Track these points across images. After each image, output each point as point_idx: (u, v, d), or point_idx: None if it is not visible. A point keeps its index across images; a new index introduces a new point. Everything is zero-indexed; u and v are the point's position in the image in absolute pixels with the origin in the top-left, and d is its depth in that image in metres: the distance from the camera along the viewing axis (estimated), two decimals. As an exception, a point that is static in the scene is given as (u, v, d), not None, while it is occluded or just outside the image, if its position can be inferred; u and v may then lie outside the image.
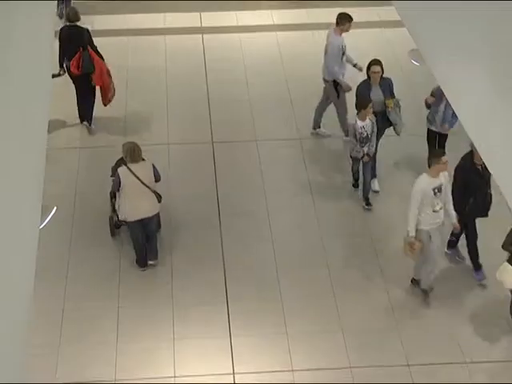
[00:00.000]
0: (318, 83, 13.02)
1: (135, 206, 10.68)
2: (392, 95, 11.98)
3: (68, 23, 12.99)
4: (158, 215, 11.03)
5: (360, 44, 14.78)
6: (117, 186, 10.71)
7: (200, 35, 15.52)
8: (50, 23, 7.11)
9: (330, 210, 11.74)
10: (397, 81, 12.60)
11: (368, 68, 11.94)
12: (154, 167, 10.82)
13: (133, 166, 10.62)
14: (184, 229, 11.49)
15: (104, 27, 15.93)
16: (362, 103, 11.51)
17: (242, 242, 11.27)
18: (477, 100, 5.73)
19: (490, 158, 5.67)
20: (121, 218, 10.85)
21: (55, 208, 6.84)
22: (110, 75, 13.02)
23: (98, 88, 13.12)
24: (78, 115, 13.40)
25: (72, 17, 12.96)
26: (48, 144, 6.49)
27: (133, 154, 10.65)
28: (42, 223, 6.35)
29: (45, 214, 6.45)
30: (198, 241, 11.31)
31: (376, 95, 11.83)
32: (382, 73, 11.92)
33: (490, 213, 10.65)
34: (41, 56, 6.44)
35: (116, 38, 15.26)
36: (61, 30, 12.90)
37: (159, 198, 10.80)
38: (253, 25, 15.94)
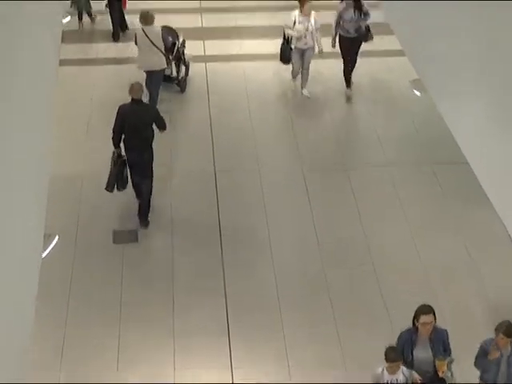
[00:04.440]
0: (320, 112, 13.04)
1: (145, 59, 13.74)
2: (446, 352, 8.74)
3: None
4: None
5: (361, 73, 14.85)
6: (135, 42, 13.86)
7: (203, 64, 15.58)
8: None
9: (331, 238, 11.73)
10: (398, 111, 12.65)
11: (416, 317, 8.74)
12: (167, 33, 14.02)
13: (146, 28, 13.58)
14: (185, 255, 11.47)
15: (107, 55, 16.04)
16: (388, 354, 8.48)
17: (244, 269, 11.24)
18: (479, 130, 5.74)
19: (492, 189, 5.67)
20: (136, 66, 13.92)
21: (57, 237, 6.84)
22: None
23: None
24: (112, 35, 16.35)
25: None
26: (51, 172, 6.50)
27: (145, 18, 13.60)
28: (44, 252, 6.35)
29: (47, 242, 6.45)
30: (199, 268, 11.28)
31: (423, 352, 8.72)
32: (435, 319, 8.73)
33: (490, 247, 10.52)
34: (44, 79, 6.47)
35: (120, 66, 15.32)
36: None
37: (167, 59, 13.94)
38: (256, 53, 16.01)
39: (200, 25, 16.51)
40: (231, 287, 10.97)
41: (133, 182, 11.92)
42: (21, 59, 6.25)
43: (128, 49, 15.51)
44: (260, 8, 17.37)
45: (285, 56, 14.36)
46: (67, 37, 14.24)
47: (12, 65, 5.89)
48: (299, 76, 14.60)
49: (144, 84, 13.13)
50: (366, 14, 13.97)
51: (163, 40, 13.81)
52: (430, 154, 13.28)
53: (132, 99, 11.68)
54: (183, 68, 14.83)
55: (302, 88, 14.57)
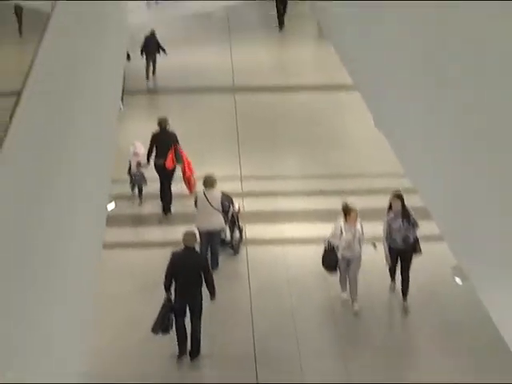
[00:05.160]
0: (362, 301, 12.94)
1: (204, 219, 14.68)
2: None
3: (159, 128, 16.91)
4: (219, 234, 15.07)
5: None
6: (195, 204, 14.93)
7: (244, 246, 15.74)
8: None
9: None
10: (439, 300, 12.37)
11: None
12: (224, 198, 14.93)
13: (207, 191, 14.74)
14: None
15: (151, 238, 16.29)
16: None
17: None
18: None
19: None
20: (194, 226, 14.32)
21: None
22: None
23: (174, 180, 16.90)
24: (162, 208, 16.86)
25: (163, 123, 16.90)
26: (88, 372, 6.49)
27: (208, 181, 14.82)
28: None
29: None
30: None
31: None
32: None
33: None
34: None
35: (164, 249, 15.48)
36: (153, 134, 16.91)
37: (225, 219, 14.96)
38: (296, 237, 16.16)
39: (242, 209, 16.79)
40: None
41: (177, 327, 12.51)
42: (67, 243, 6.40)
43: (172, 232, 15.77)
44: (300, 192, 17.68)
45: (330, 265, 14.02)
46: (111, 220, 14.55)
47: (58, 251, 6.03)
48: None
49: (199, 247, 13.88)
50: (415, 225, 13.78)
51: (221, 204, 14.85)
52: (470, 343, 13.02)
53: (185, 247, 12.53)
54: (237, 232, 15.56)
55: (352, 302, 14.08)
